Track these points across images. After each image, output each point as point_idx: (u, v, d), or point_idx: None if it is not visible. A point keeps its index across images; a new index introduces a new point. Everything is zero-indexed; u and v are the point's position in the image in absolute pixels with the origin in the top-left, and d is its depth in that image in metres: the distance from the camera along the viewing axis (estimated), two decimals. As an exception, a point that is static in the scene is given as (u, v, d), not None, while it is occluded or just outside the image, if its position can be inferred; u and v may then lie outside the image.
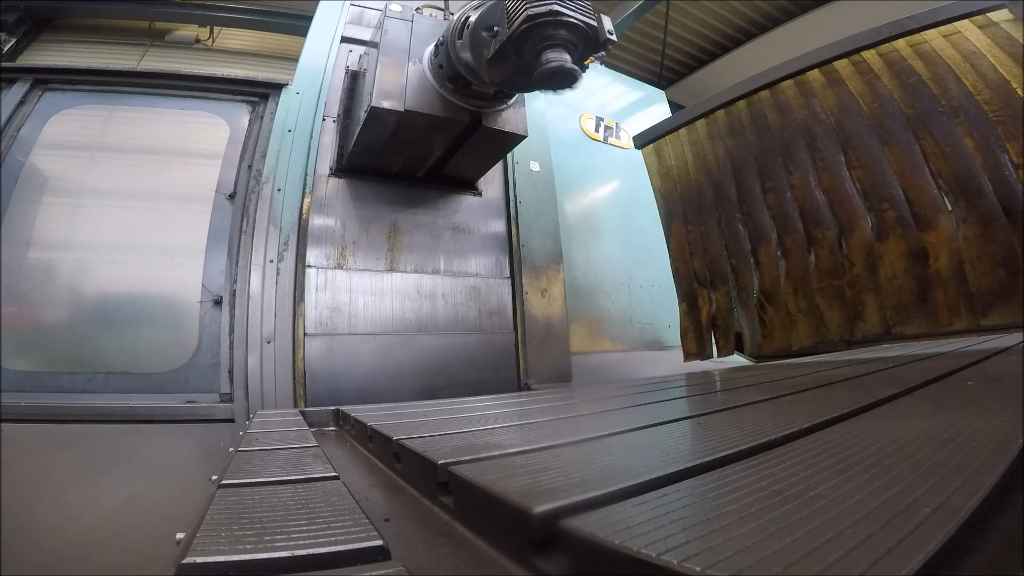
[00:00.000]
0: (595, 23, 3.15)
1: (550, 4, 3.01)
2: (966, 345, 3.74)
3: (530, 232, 5.54)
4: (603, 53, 3.29)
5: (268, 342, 4.22)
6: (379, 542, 0.81)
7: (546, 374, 5.14)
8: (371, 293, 4.73)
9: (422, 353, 4.73)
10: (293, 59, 12.18)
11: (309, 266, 4.47)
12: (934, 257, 4.55)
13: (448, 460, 1.17)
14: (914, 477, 0.78)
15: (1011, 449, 0.89)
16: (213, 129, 4.95)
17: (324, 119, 5.02)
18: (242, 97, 5.11)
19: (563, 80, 3.12)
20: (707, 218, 6.03)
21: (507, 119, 4.35)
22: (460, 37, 3.73)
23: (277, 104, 5.00)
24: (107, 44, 11.25)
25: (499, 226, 5.53)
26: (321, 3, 5.62)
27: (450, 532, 1.04)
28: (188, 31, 11.92)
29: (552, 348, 5.29)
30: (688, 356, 6.01)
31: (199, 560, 0.75)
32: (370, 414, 2.36)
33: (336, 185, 4.85)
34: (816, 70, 5.34)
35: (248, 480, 1.23)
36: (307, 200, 4.66)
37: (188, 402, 4.07)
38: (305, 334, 4.31)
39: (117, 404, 3.87)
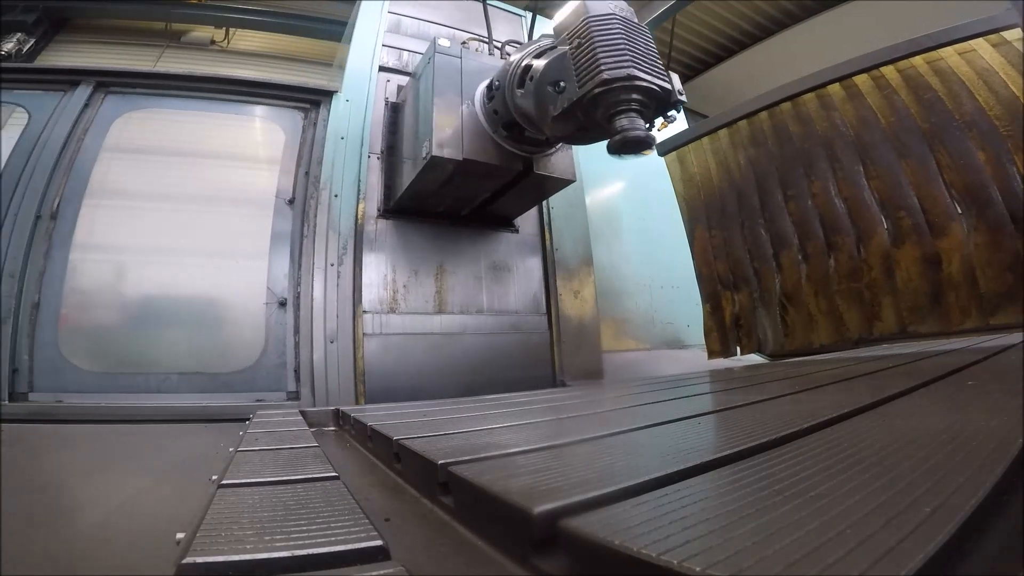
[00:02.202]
0: (668, 85, 3.08)
1: (626, 68, 2.93)
2: (974, 343, 3.94)
3: (562, 236, 5.68)
4: (674, 114, 3.27)
5: (332, 342, 4.37)
6: (379, 542, 0.81)
7: (579, 372, 5.28)
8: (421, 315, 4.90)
9: (465, 352, 4.87)
10: (306, 61, 12.35)
11: (365, 312, 4.58)
12: (947, 262, 4.84)
13: (448, 460, 1.16)
14: (914, 477, 0.78)
15: (1011, 449, 0.89)
16: (270, 135, 5.05)
17: (369, 156, 5.06)
18: (294, 104, 5.18)
19: (637, 148, 3.00)
20: (730, 223, 6.30)
21: (555, 164, 4.36)
22: (520, 86, 3.64)
23: (328, 111, 5.09)
24: (123, 45, 11.29)
25: (533, 225, 5.70)
26: (361, 9, 5.73)
27: (450, 532, 1.04)
28: (204, 32, 11.96)
29: (585, 347, 5.45)
30: (712, 354, 6.30)
31: (200, 560, 0.75)
32: (370, 414, 2.37)
33: (385, 227, 4.93)
34: (837, 84, 5.61)
35: (248, 480, 1.23)
36: (361, 206, 4.79)
37: (257, 400, 4.19)
38: (364, 334, 4.46)
39: (191, 404, 3.98)
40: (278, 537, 0.83)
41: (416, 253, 4.97)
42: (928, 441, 0.99)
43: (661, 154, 6.53)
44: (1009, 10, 4.78)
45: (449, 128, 3.98)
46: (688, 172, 6.66)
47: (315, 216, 4.66)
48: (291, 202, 4.80)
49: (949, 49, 5.05)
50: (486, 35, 5.43)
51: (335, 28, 11.98)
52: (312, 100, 5.18)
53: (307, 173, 4.88)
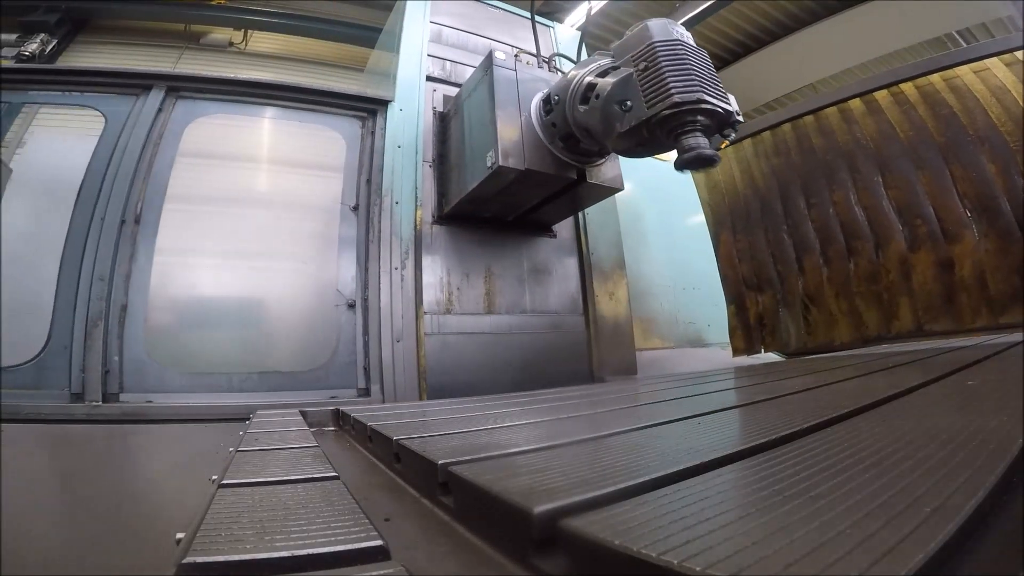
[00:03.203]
0: (730, 107, 3.23)
1: (696, 92, 3.10)
2: (984, 340, 4.37)
3: (597, 241, 5.86)
4: (732, 133, 3.37)
5: (398, 341, 4.57)
6: (379, 542, 0.81)
7: (615, 368, 5.48)
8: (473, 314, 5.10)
9: (511, 350, 5.06)
10: (323, 64, 12.39)
11: (425, 313, 4.76)
12: (960, 266, 5.30)
13: (448, 460, 1.16)
14: (914, 477, 0.78)
15: (1011, 449, 0.88)
16: (332, 142, 5.19)
17: (422, 163, 5.22)
18: (352, 112, 5.30)
19: (704, 165, 3.15)
20: (754, 229, 6.81)
21: (605, 173, 4.51)
22: (584, 103, 3.76)
23: (385, 120, 5.23)
24: (143, 46, 11.37)
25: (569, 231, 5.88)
26: (406, 18, 5.89)
27: (450, 532, 1.04)
28: (222, 34, 12.04)
29: (620, 345, 5.65)
30: (737, 352, 6.86)
31: (200, 560, 0.75)
32: (370, 414, 2.38)
33: (439, 232, 5.10)
34: (858, 99, 6.10)
35: (248, 480, 1.23)
36: (419, 212, 4.97)
37: (331, 397, 4.34)
38: (424, 334, 4.65)
39: (269, 401, 4.06)
40: (278, 537, 0.83)
41: (467, 257, 5.15)
42: (928, 441, 0.99)
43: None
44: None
45: (511, 139, 4.15)
46: (713, 179, 7.11)
47: (379, 222, 4.85)
48: (355, 208, 4.97)
49: (965, 67, 5.48)
50: (516, 45, 5.79)
51: (353, 32, 12.15)
52: (369, 109, 5.32)
53: (368, 181, 5.04)
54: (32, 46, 9.73)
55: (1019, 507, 0.75)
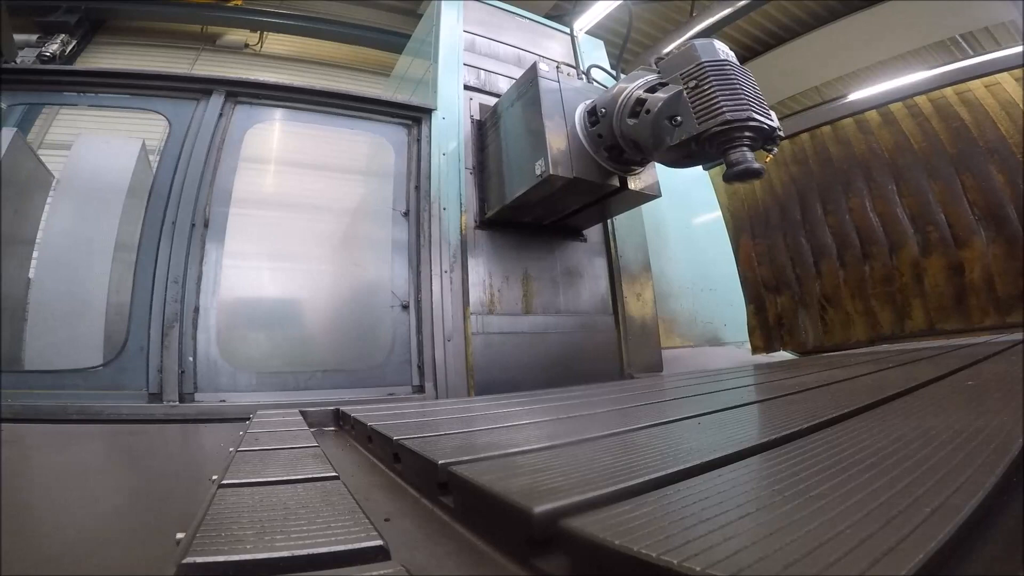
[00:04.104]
0: (774, 123, 3.47)
1: (745, 111, 3.32)
2: (992, 338, 4.68)
3: (625, 244, 6.02)
4: (774, 148, 3.59)
5: (448, 340, 4.74)
6: (379, 542, 0.81)
7: (643, 366, 5.64)
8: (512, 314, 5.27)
9: (548, 349, 5.21)
10: (338, 66, 12.45)
11: (471, 313, 4.92)
12: (969, 269, 5.62)
13: (448, 460, 1.16)
14: (914, 477, 0.78)
15: (1011, 449, 0.89)
16: (381, 149, 5.32)
17: (463, 170, 5.38)
18: (398, 120, 5.41)
19: (751, 177, 3.40)
20: (773, 233, 7.14)
21: (644, 181, 4.68)
22: (633, 117, 3.95)
23: (430, 128, 5.35)
24: (159, 47, 11.48)
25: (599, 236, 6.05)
26: (443, 26, 6.04)
27: (450, 532, 1.04)
28: (238, 36, 12.12)
29: (647, 344, 5.82)
30: (756, 350, 7.16)
31: (200, 560, 0.75)
32: (370, 414, 2.39)
33: (481, 236, 5.26)
34: (874, 111, 6.44)
35: (248, 480, 1.23)
36: (463, 217, 5.12)
37: (389, 394, 4.50)
38: (472, 333, 4.81)
39: (334, 398, 4.16)
40: (278, 537, 0.83)
41: (506, 260, 5.30)
42: (928, 441, 0.99)
43: (707, 168, 6.87)
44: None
45: (559, 148, 4.30)
46: (732, 186, 7.23)
47: (428, 227, 4.98)
48: (406, 214, 5.11)
49: (977, 82, 5.80)
50: (542, 54, 6.37)
51: (368, 34, 12.22)
52: (414, 117, 5.43)
53: (417, 187, 5.17)
54: (53, 46, 9.83)
55: (1019, 507, 0.75)
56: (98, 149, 5.27)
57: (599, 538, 0.63)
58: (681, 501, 0.75)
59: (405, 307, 4.82)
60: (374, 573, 0.73)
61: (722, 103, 3.33)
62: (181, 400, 3.91)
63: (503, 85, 5.85)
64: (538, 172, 4.29)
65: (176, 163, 4.45)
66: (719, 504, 0.73)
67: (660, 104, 3.65)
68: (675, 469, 0.93)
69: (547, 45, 6.61)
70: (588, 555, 0.66)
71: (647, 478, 0.88)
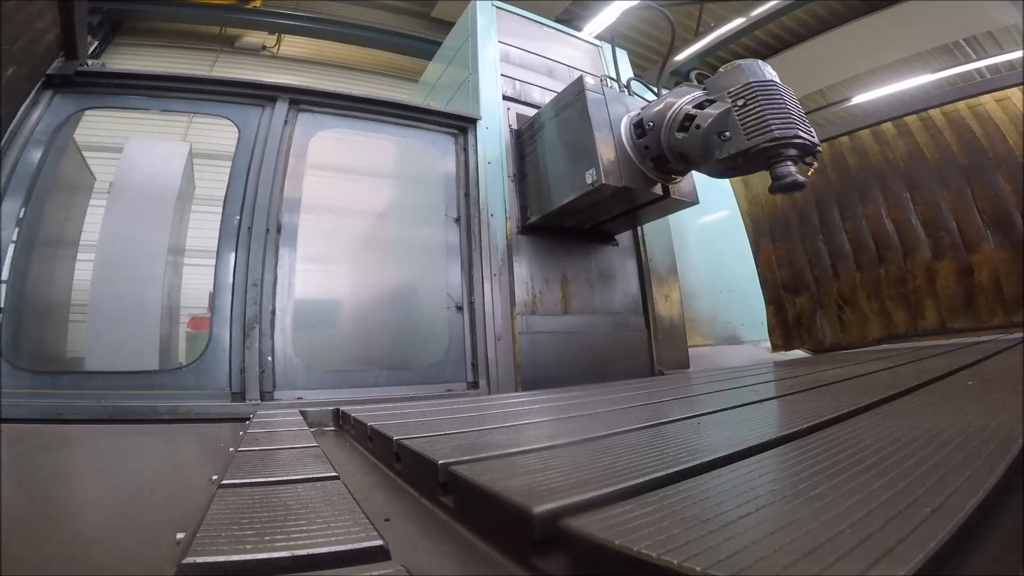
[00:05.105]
0: (815, 139, 3.70)
1: (792, 129, 3.58)
2: (999, 337, 5.03)
3: (653, 248, 6.22)
4: (815, 161, 3.80)
5: (498, 339, 4.97)
6: (379, 542, 0.81)
7: (672, 363, 5.91)
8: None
9: (584, 347, 5.43)
10: (353, 69, 12.47)
11: (518, 314, 5.13)
12: (978, 272, 5.92)
13: (448, 460, 1.16)
14: (914, 477, 0.78)
15: (1011, 449, 0.89)
16: (430, 157, 5.47)
17: (506, 178, 5.56)
18: (446, 129, 5.56)
19: (796, 189, 3.65)
20: (792, 237, 7.43)
21: (683, 188, 4.91)
22: (682, 131, 4.15)
23: (475, 137, 5.51)
24: (179, 48, 11.53)
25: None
26: (480, 37, 6.17)
27: (450, 532, 1.04)
28: (255, 38, 12.17)
29: (675, 342, 6.03)
30: (775, 348, 7.42)
31: (200, 560, 0.75)
32: (370, 414, 2.40)
33: (523, 241, 5.46)
34: (890, 123, 6.76)
35: (248, 480, 1.23)
36: (508, 223, 5.31)
37: (447, 390, 4.73)
38: (518, 333, 5.06)
39: (399, 394, 4.40)
40: (278, 537, 0.83)
41: (546, 263, 5.48)
42: (928, 441, 0.99)
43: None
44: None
45: (609, 158, 4.48)
46: (752, 192, 7.74)
47: (479, 232, 5.21)
48: (457, 220, 5.31)
49: (988, 96, 6.10)
50: (571, 64, 6.64)
51: (381, 37, 12.23)
52: (460, 126, 5.59)
53: (467, 194, 5.35)
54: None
55: (1019, 507, 0.75)
56: (148, 153, 5.40)
57: (599, 538, 0.63)
58: (682, 501, 0.75)
59: (459, 308, 5.06)
60: (374, 573, 0.73)
61: (771, 121, 3.59)
62: (262, 398, 4.06)
63: (536, 95, 6.08)
64: (589, 181, 4.48)
65: (247, 169, 4.58)
66: (719, 504, 0.73)
67: (710, 120, 3.88)
68: (675, 469, 0.93)
69: (573, 55, 6.83)
70: (588, 555, 0.66)
71: (648, 478, 0.88)
